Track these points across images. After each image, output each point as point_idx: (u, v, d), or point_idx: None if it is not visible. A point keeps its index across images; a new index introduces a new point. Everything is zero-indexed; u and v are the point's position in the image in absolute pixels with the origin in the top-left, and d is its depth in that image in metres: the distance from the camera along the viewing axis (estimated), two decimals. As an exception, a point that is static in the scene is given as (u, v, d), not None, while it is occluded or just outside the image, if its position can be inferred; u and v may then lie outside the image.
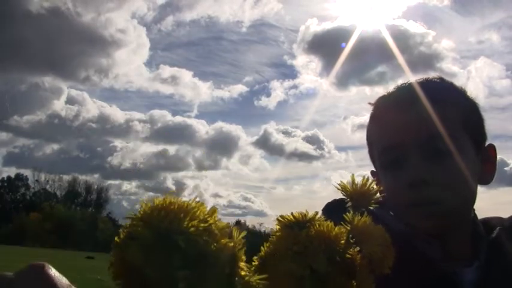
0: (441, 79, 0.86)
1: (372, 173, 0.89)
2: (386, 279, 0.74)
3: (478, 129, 0.84)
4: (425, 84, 0.83)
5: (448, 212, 0.76)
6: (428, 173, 0.76)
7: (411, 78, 0.86)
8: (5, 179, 62.59)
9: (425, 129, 0.78)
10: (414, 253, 0.75)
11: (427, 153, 0.77)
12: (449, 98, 0.82)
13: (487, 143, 0.85)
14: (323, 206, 0.86)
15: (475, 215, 0.84)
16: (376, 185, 0.88)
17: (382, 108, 0.85)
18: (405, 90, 0.83)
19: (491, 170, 0.85)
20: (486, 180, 0.84)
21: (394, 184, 0.79)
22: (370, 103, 0.88)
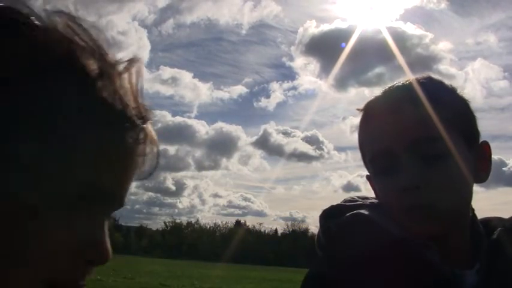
0: (430, 79, 0.84)
1: (368, 177, 0.88)
2: (386, 284, 0.74)
3: (470, 127, 0.82)
4: (411, 87, 0.80)
5: (443, 215, 0.75)
6: (421, 177, 0.74)
7: (402, 79, 0.84)
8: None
9: (416, 132, 0.76)
10: (412, 257, 0.75)
11: (419, 157, 0.75)
12: (439, 98, 0.79)
13: (480, 140, 0.83)
14: (322, 208, 0.86)
15: (475, 215, 0.83)
16: (373, 189, 0.88)
17: (371, 114, 0.83)
18: (393, 93, 0.81)
19: (486, 167, 0.82)
20: (482, 179, 0.82)
21: (388, 190, 0.78)
22: (358, 109, 0.85)
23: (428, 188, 0.74)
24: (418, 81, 0.82)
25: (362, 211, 0.80)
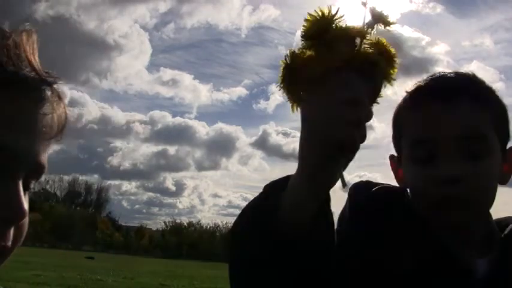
0: (474, 76, 0.85)
1: (391, 157, 0.89)
2: (402, 261, 0.74)
3: (506, 131, 0.84)
4: (463, 80, 0.82)
5: (475, 210, 0.78)
6: (462, 171, 0.75)
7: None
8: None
9: (466, 127, 0.77)
10: (432, 239, 0.76)
11: (462, 152, 0.77)
12: (486, 98, 0.82)
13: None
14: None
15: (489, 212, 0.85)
16: (394, 171, 0.89)
17: (420, 99, 0.82)
18: (445, 84, 0.82)
19: (509, 171, 0.85)
20: (505, 181, 0.84)
21: (424, 179, 0.79)
22: (407, 91, 0.86)
23: (468, 183, 0.76)
24: (467, 77, 0.84)
25: (394, 189, 0.82)
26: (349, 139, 0.58)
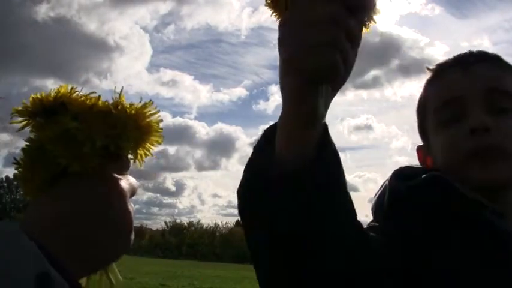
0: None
1: (419, 148, 0.89)
2: (448, 244, 0.71)
3: None
4: (482, 52, 0.85)
5: (509, 161, 0.74)
6: (491, 122, 0.75)
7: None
8: (4, 179, 62.31)
9: (491, 83, 0.78)
10: (484, 224, 0.72)
11: (489, 107, 0.77)
12: (506, 64, 0.83)
13: None
14: None
15: None
16: (422, 160, 0.87)
17: (444, 67, 0.85)
18: (467, 53, 0.85)
19: None
20: None
21: (454, 136, 0.77)
22: (428, 68, 0.88)
23: (498, 131, 0.75)
24: (488, 52, 0.86)
25: (437, 174, 0.76)
26: (325, 66, 0.49)
